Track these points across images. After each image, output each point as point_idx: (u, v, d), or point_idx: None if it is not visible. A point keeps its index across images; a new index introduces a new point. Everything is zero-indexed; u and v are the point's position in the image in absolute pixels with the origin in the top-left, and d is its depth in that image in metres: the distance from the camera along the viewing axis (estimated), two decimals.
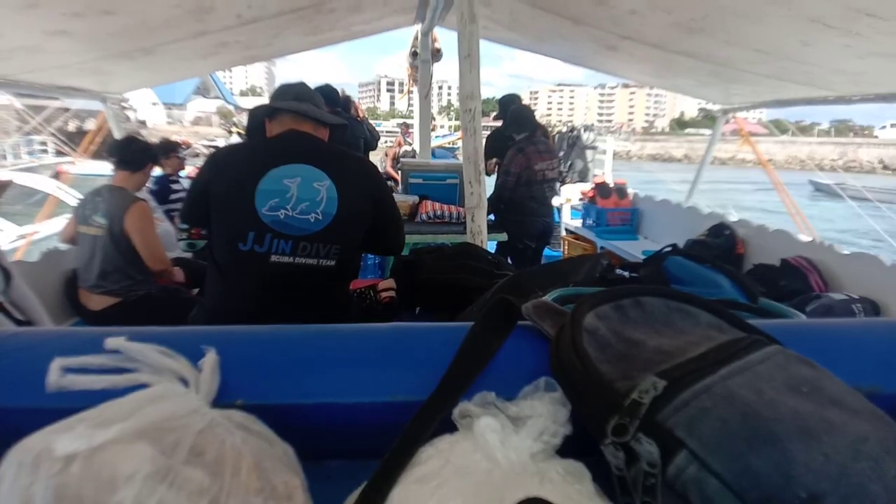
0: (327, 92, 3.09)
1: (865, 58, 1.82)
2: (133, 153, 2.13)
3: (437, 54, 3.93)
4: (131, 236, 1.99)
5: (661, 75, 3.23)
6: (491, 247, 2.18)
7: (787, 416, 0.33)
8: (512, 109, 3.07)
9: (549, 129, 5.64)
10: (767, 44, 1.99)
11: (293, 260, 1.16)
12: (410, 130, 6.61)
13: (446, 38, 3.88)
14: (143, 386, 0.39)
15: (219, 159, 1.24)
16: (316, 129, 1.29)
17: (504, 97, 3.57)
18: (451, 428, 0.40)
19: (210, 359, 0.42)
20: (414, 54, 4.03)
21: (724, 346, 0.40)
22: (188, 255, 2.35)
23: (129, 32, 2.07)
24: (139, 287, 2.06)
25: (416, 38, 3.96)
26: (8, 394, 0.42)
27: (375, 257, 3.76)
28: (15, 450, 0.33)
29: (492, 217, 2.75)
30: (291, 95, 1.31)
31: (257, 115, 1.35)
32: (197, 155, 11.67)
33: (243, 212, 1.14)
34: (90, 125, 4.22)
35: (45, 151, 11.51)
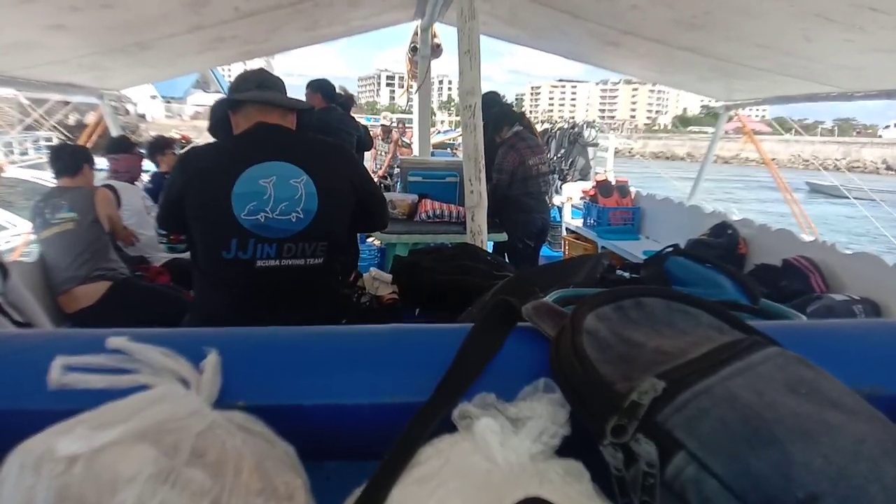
0: (322, 85, 3.02)
1: (867, 53, 1.82)
2: (63, 159, 2.15)
3: (436, 50, 3.90)
4: (109, 219, 2.11)
5: (662, 71, 3.22)
6: (489, 247, 2.15)
7: (787, 417, 0.33)
8: (494, 113, 2.92)
9: (551, 124, 5.60)
10: (769, 39, 1.98)
11: (280, 263, 1.12)
12: (408, 128, 6.48)
13: (446, 34, 3.86)
14: (143, 387, 0.39)
15: (189, 164, 1.18)
16: (284, 118, 1.21)
17: (484, 96, 3.44)
18: (450, 428, 0.40)
19: (211, 360, 0.42)
20: (414, 49, 4.00)
21: (725, 348, 0.40)
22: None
23: (127, 26, 2.06)
24: (120, 268, 2.12)
25: (415, 33, 3.94)
26: (8, 395, 0.42)
27: (376, 258, 3.75)
28: (17, 451, 0.33)
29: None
30: (254, 84, 1.21)
31: (219, 110, 1.26)
32: None
33: (222, 219, 1.09)
34: (91, 118, 4.21)
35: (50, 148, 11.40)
